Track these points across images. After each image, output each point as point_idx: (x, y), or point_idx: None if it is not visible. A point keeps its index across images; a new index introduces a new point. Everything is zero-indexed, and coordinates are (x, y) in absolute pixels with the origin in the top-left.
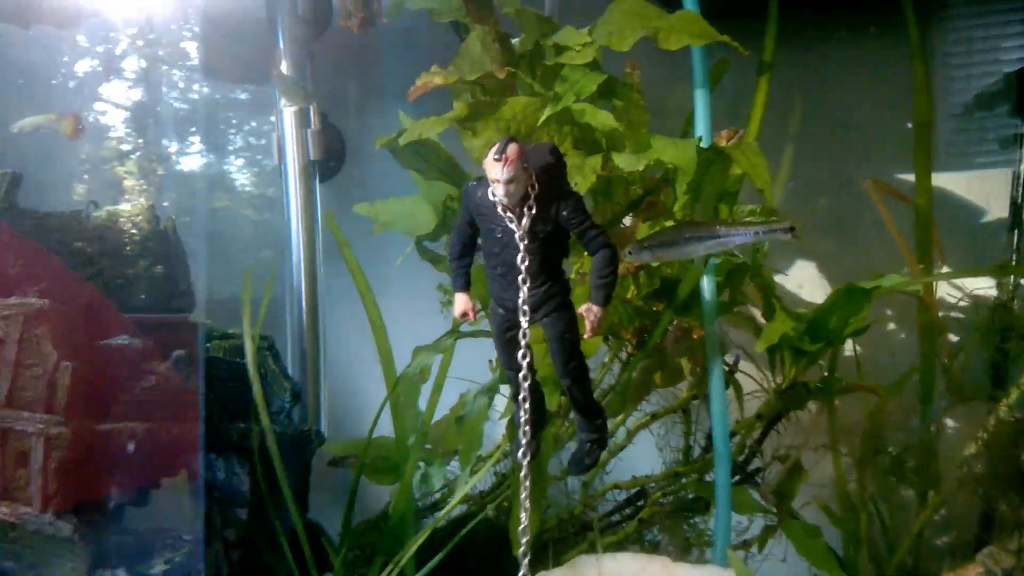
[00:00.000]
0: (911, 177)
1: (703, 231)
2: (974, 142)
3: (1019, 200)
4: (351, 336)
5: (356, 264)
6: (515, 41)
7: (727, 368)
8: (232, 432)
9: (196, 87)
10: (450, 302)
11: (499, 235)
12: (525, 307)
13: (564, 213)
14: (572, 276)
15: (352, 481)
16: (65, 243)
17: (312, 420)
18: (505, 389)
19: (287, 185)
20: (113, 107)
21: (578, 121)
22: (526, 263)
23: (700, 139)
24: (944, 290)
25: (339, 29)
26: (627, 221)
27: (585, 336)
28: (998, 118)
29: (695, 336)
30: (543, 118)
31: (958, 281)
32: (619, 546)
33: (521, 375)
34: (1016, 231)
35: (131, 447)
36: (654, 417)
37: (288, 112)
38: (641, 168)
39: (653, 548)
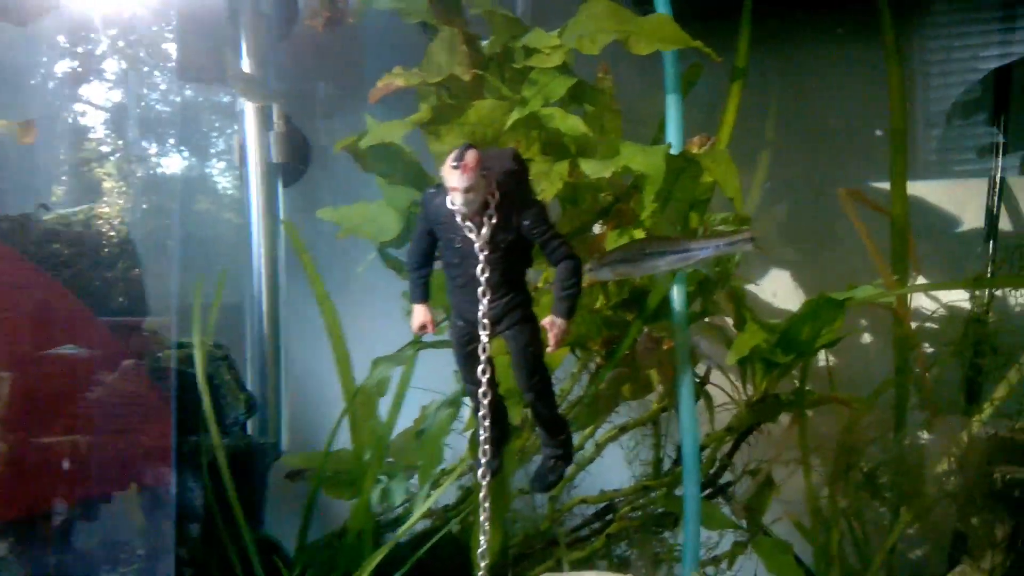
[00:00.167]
0: (888, 185)
1: (664, 246)
2: (951, 150)
3: (995, 210)
4: (315, 344)
5: (315, 271)
6: (485, 43)
7: (698, 380)
8: (183, 445)
9: (167, 87)
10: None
11: (458, 245)
12: (485, 320)
13: (526, 222)
14: (540, 285)
15: (308, 496)
16: (11, 247)
17: (272, 432)
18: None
19: (248, 189)
20: (92, 108)
21: (546, 126)
22: (486, 275)
23: (669, 146)
24: (920, 301)
25: (307, 29)
26: (596, 229)
27: (548, 350)
28: (976, 126)
29: (665, 347)
30: (510, 122)
31: (934, 292)
32: (587, 562)
33: (481, 391)
34: (991, 241)
35: (76, 461)
36: (623, 430)
37: (250, 113)
38: (608, 175)
39: (622, 564)
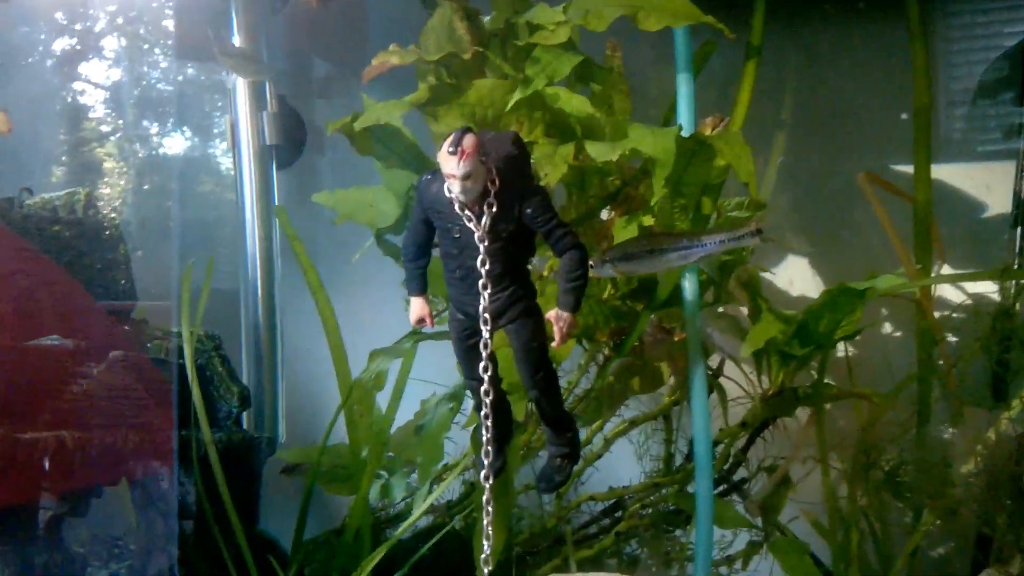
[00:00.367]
0: (910, 168)
1: (667, 242)
2: (977, 131)
3: (1022, 194)
4: (314, 334)
5: (308, 260)
6: (486, 19)
7: (710, 372)
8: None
9: (167, 66)
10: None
11: (457, 235)
12: (487, 315)
13: (528, 211)
14: (544, 274)
15: (304, 492)
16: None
17: (269, 425)
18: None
19: (241, 172)
20: (91, 87)
21: (550, 106)
22: (487, 266)
23: (681, 127)
24: (944, 291)
25: (302, 3)
26: (604, 215)
27: (554, 344)
28: (1002, 105)
29: (676, 338)
30: (512, 103)
31: (959, 282)
32: (595, 561)
33: (483, 389)
34: (1020, 227)
35: (60, 454)
36: (633, 424)
37: (242, 92)
38: (615, 158)
39: (632, 563)
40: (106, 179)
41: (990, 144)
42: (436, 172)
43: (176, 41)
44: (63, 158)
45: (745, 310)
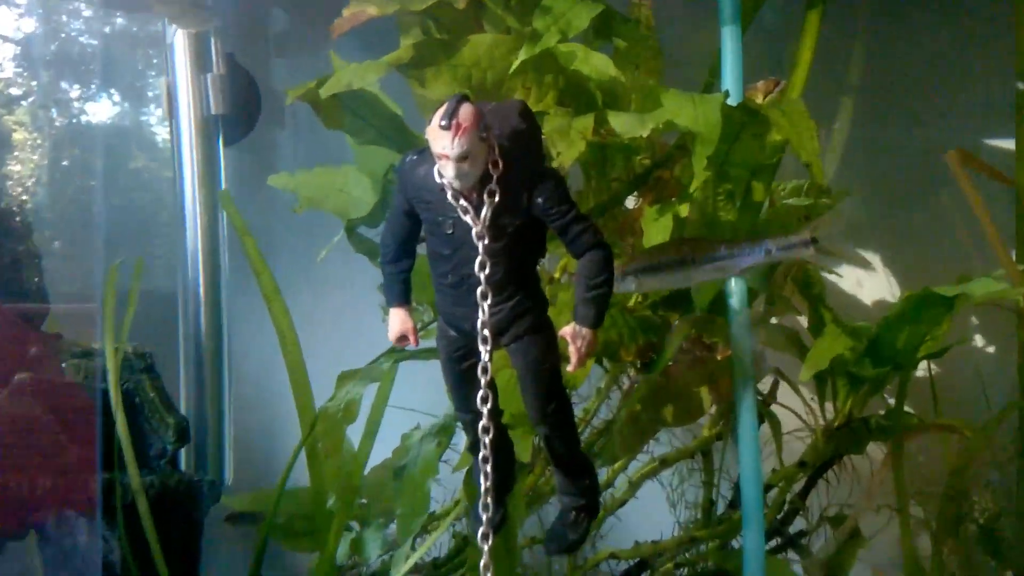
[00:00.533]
0: (1012, 145)
1: (702, 251)
2: None
3: None
4: (268, 350)
5: (260, 259)
6: None
7: (761, 399)
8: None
9: (92, 16)
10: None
11: (449, 231)
12: (486, 332)
13: (539, 200)
14: (557, 276)
15: (255, 548)
16: None
17: (213, 464)
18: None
19: (180, 149)
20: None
21: (565, 68)
22: (487, 270)
23: (726, 94)
24: None
25: None
26: (630, 203)
27: (569, 368)
28: None
29: (719, 357)
30: (517, 63)
31: None
32: None
33: (481, 426)
34: None
35: None
36: (664, 463)
37: (181, 49)
38: (645, 134)
39: None
40: (15, 153)
41: None
42: (423, 152)
43: None
44: None
45: (804, 320)
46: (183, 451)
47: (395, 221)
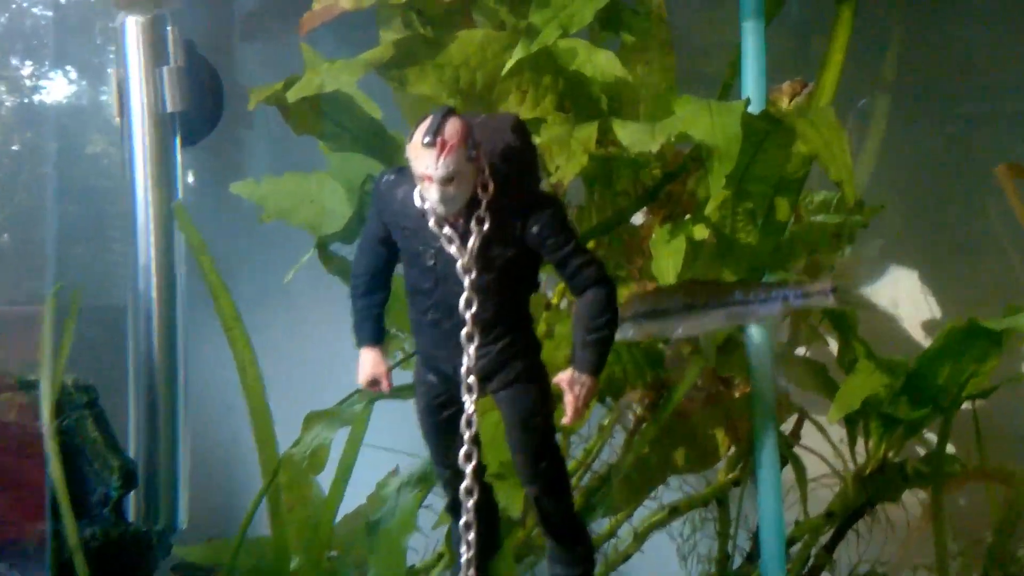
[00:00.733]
0: None
1: (710, 297)
2: None
3: None
4: (228, 382)
5: (219, 279)
6: None
7: (784, 441)
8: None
9: None
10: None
11: (431, 262)
12: (471, 378)
13: (534, 229)
14: (555, 301)
15: None
16: None
17: (165, 512)
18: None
19: (132, 151)
20: None
21: (565, 68)
22: (473, 308)
23: (747, 101)
24: None
25: None
26: (637, 219)
27: (564, 420)
28: None
29: (737, 394)
30: (511, 63)
31: None
32: None
33: (463, 488)
34: None
35: None
36: (675, 512)
37: (133, 37)
38: (655, 149)
39: None
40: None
41: None
42: (403, 170)
43: None
44: None
45: (833, 349)
46: (130, 496)
47: (368, 249)
